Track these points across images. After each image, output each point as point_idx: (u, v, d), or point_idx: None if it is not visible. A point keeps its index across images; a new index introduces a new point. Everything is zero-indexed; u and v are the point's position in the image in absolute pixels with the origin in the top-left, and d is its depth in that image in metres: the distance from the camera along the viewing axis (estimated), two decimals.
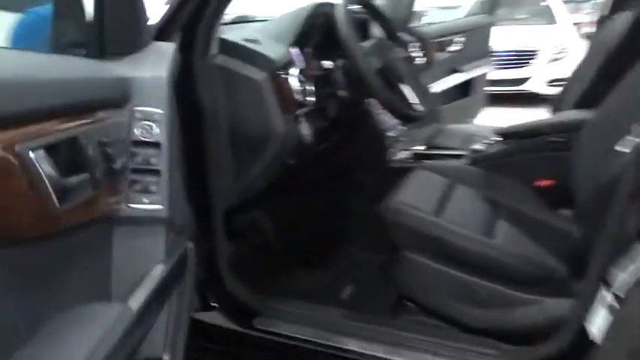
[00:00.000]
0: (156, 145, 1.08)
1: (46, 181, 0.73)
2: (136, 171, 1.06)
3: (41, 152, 0.74)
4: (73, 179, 0.83)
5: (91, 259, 0.98)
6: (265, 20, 2.03)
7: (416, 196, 1.64)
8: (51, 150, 0.78)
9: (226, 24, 1.79)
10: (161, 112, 1.11)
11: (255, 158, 1.58)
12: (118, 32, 1.13)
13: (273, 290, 1.71)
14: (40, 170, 0.72)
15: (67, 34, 1.19)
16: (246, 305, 1.60)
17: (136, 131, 1.08)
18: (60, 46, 1.19)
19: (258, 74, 1.52)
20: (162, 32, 1.38)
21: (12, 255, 0.76)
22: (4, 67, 0.80)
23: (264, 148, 1.57)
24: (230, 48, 1.53)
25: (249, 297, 1.61)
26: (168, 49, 1.26)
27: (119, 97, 1.06)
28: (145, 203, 1.05)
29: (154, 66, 1.16)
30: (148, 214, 1.05)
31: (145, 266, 1.04)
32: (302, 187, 2.02)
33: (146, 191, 1.06)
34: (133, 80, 1.09)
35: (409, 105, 1.81)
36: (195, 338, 1.25)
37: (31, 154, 0.73)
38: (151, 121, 1.09)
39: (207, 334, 1.56)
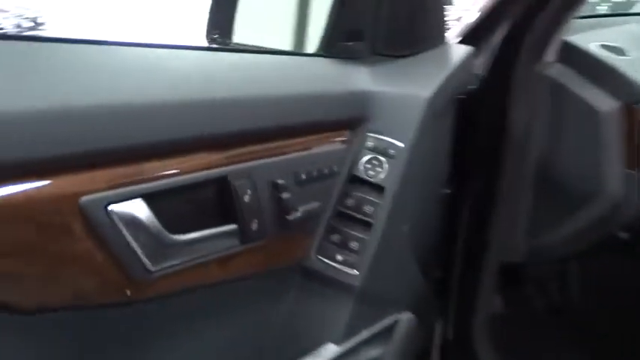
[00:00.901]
0: (378, 188, 0.80)
1: (131, 242, 0.56)
2: (340, 215, 0.81)
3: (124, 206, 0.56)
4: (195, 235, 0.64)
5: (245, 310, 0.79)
6: None
7: None
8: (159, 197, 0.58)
9: (584, 17, 1.25)
10: (401, 145, 0.80)
11: (565, 215, 1.11)
12: (386, 23, 0.86)
13: None
14: (120, 228, 0.55)
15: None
16: None
17: (360, 164, 0.81)
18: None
19: (605, 103, 1.02)
20: (478, 27, 1.03)
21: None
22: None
23: (583, 206, 1.08)
24: (576, 57, 1.06)
25: None
26: (456, 56, 0.92)
27: (357, 115, 0.81)
28: (336, 261, 0.79)
29: (416, 80, 0.85)
30: (334, 274, 0.79)
31: (313, 339, 0.80)
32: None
33: (343, 246, 0.80)
34: (378, 95, 0.82)
35: None
36: None
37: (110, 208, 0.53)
38: (383, 154, 0.81)
39: None
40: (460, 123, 1.03)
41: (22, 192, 0.47)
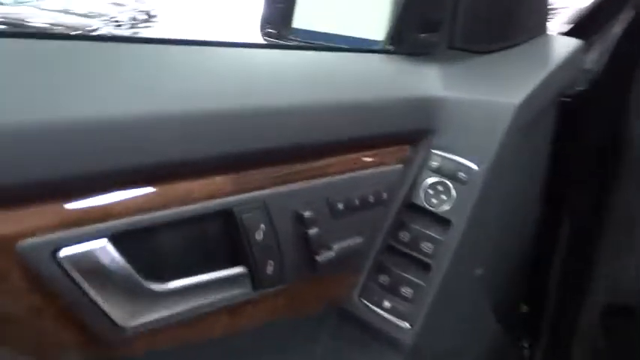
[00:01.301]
0: (441, 221, 0.63)
1: (93, 295, 0.43)
2: (391, 250, 0.65)
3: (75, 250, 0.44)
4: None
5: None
6: None
7: None
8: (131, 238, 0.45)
9: None
10: (474, 168, 0.63)
11: None
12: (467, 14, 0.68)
13: None
14: (76, 279, 0.42)
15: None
16: None
17: (420, 189, 0.65)
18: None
19: None
20: (591, 15, 0.82)
21: None
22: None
23: None
24: None
25: None
26: (559, 50, 0.72)
27: (421, 126, 0.65)
28: (383, 308, 0.64)
29: (504, 81, 0.67)
30: (380, 325, 0.64)
31: None
32: None
33: (393, 291, 0.64)
34: (451, 102, 0.65)
35: None
36: None
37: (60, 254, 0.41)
38: (451, 179, 0.64)
39: None
40: (562, 131, 0.82)
41: None
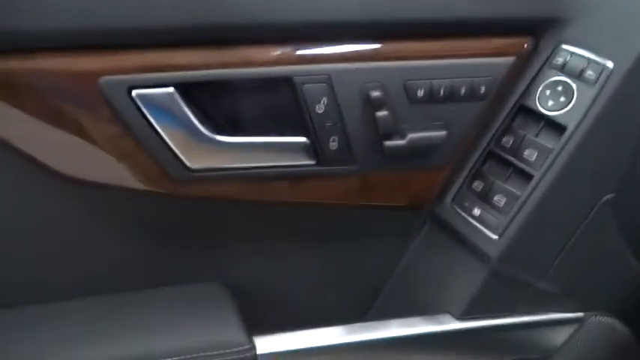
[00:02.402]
0: (556, 127, 0.55)
1: (162, 133, 0.49)
2: (492, 156, 0.59)
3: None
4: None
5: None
6: None
7: None
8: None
9: None
10: (608, 66, 0.52)
11: None
12: None
13: None
14: (148, 116, 0.49)
15: None
16: None
17: (536, 89, 0.56)
18: None
19: None
20: None
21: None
22: None
23: None
24: None
25: None
26: None
27: (548, 14, 0.56)
28: (472, 216, 0.59)
29: None
30: (467, 233, 0.59)
31: (425, 300, 0.64)
32: None
33: (485, 199, 0.58)
34: None
35: None
36: None
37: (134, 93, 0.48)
38: (576, 78, 0.54)
39: None
40: None
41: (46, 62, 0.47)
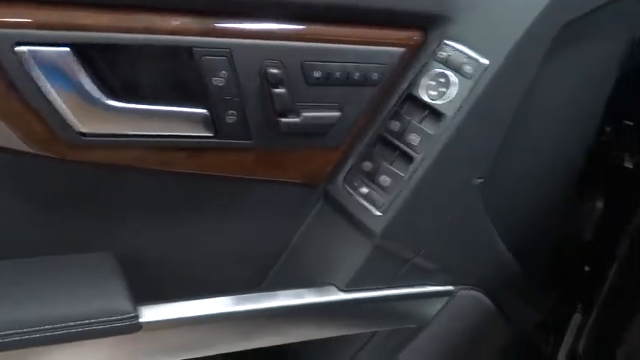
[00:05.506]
0: (436, 114, 0.60)
1: (52, 94, 0.48)
2: (382, 140, 0.63)
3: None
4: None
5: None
6: None
7: None
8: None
9: None
10: (483, 62, 0.58)
11: None
12: None
13: None
14: (35, 75, 0.47)
15: None
16: None
17: (421, 80, 0.61)
18: None
19: None
20: None
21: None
22: None
23: None
24: None
25: None
26: None
27: (436, 11, 0.61)
28: (360, 194, 0.63)
29: None
30: (354, 210, 0.63)
31: (314, 272, 0.67)
32: None
33: (372, 179, 0.63)
34: None
35: None
36: None
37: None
38: (456, 71, 0.59)
39: None
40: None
41: None
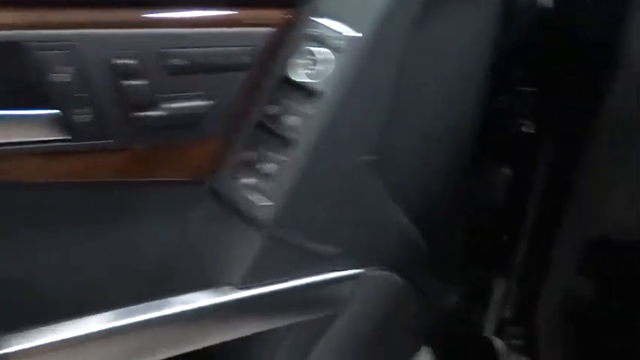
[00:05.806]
0: (313, 94, 0.57)
1: None
2: (261, 127, 0.60)
3: None
4: None
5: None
6: None
7: None
8: None
9: None
10: (354, 35, 0.55)
11: None
12: None
13: None
14: None
15: None
16: None
17: (294, 60, 0.58)
18: None
19: None
20: None
21: None
22: None
23: None
24: None
25: None
26: None
27: None
28: (245, 185, 0.60)
29: None
30: (240, 202, 0.60)
31: (209, 273, 0.64)
32: None
33: (256, 168, 0.60)
34: None
35: None
36: None
37: None
38: (328, 47, 0.57)
39: None
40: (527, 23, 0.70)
41: None
